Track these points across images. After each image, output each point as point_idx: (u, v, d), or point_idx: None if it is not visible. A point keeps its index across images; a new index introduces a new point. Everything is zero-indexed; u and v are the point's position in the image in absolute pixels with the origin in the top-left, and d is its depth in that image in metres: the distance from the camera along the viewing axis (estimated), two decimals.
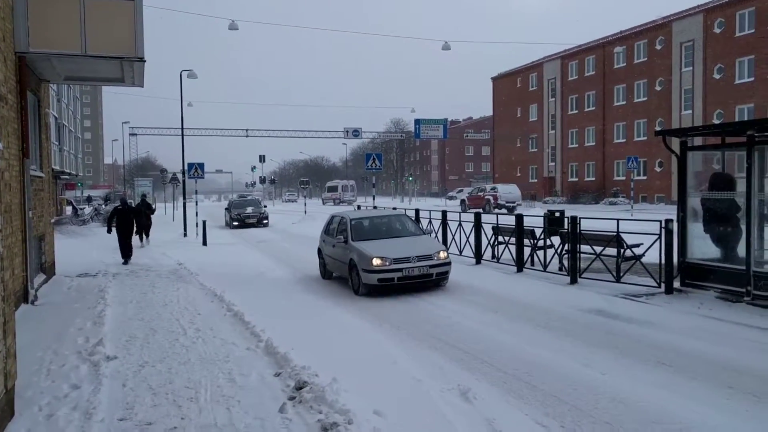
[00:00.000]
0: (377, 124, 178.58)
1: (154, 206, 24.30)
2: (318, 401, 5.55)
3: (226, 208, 36.29)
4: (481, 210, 37.75)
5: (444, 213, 17.42)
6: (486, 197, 43.11)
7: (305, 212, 40.77)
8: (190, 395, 5.97)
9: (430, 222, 17.99)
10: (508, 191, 43.14)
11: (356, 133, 65.24)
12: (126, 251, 17.58)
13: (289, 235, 26.63)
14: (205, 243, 22.33)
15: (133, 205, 22.21)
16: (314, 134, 71.65)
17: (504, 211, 37.73)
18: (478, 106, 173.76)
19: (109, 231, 18.21)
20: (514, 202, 41.79)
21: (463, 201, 43.05)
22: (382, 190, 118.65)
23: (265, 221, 33.61)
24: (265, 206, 35.66)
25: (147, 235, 22.58)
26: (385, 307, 10.57)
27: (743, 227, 9.84)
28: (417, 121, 57.32)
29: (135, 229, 18.96)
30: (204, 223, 23.16)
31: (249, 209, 34.10)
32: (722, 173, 11.15)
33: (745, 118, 40.60)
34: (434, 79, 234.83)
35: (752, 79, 43.12)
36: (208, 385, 6.26)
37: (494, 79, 74.89)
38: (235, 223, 32.88)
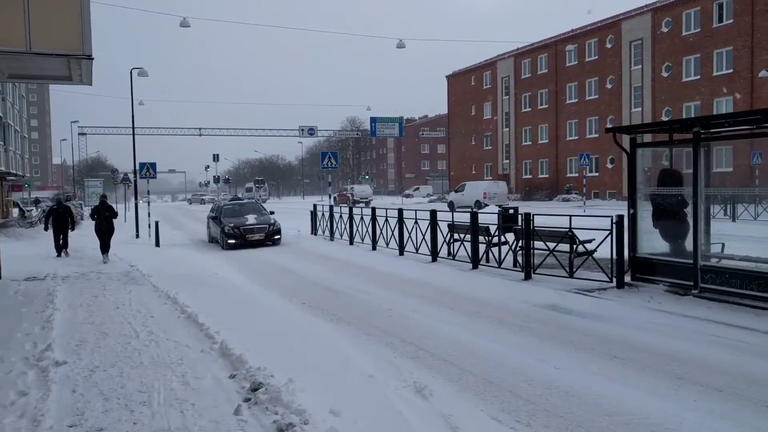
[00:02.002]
0: (333, 122, 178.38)
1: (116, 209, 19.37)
2: (274, 402, 5.49)
3: (211, 217, 24.10)
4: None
5: (400, 211, 17.46)
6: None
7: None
8: (143, 399, 5.84)
9: (386, 220, 18.03)
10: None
11: (312, 131, 64.96)
12: (59, 246, 19.15)
13: None
14: (158, 244, 21.92)
15: (71, 206, 23.24)
16: (269, 133, 70.98)
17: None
18: (434, 105, 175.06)
19: (46, 228, 20.19)
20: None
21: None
22: (338, 188, 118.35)
23: (276, 236, 22.06)
24: (272, 212, 24.23)
25: (107, 247, 18.14)
26: (330, 303, 10.54)
27: (690, 222, 10.12)
28: (373, 120, 57.38)
29: (71, 226, 19.52)
30: (157, 224, 22.72)
31: (250, 218, 22.28)
32: (670, 169, 11.45)
33: (692, 115, 41.86)
34: (390, 78, 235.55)
35: (698, 77, 44.45)
36: (162, 388, 6.13)
37: (449, 77, 75.44)
38: (232, 241, 21.14)
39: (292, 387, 5.73)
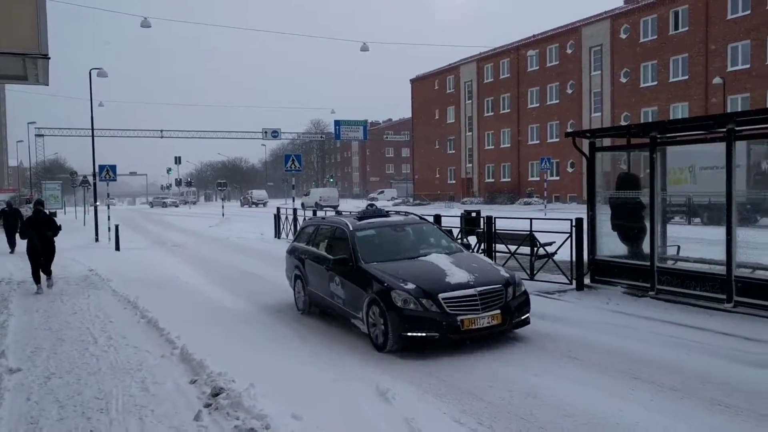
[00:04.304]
0: (297, 125, 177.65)
1: (59, 223, 13.95)
2: (235, 407, 5.44)
3: (308, 255, 10.21)
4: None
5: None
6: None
7: (223, 215, 39.98)
8: (101, 406, 5.74)
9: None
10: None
11: (275, 134, 64.53)
12: (12, 244, 20.75)
13: (206, 239, 26.04)
14: (118, 248, 21.52)
15: (21, 210, 23.23)
16: (232, 135, 70.35)
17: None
18: (398, 108, 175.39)
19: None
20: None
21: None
22: (303, 192, 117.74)
23: (524, 315, 8.09)
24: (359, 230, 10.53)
25: (49, 271, 13.35)
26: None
27: (648, 225, 10.35)
28: (337, 123, 57.24)
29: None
30: (117, 227, 22.30)
31: (444, 264, 8.25)
32: (628, 173, 11.70)
33: (649, 120, 42.82)
34: (354, 81, 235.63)
35: (656, 83, 45.49)
36: (120, 395, 6.04)
37: (412, 81, 75.81)
38: (420, 334, 7.39)
39: (254, 392, 5.69)
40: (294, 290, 10.48)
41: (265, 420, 5.10)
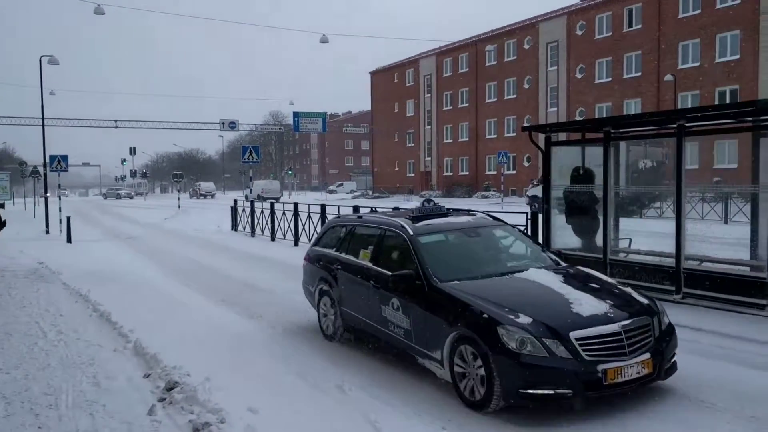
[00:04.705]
0: (255, 116, 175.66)
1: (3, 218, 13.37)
2: (189, 401, 5.37)
3: (342, 273, 7.88)
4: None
5: (323, 207, 17.40)
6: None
7: (179, 207, 39.38)
8: (50, 402, 5.60)
9: (309, 216, 17.92)
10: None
11: (233, 125, 63.68)
12: None
13: (161, 231, 25.61)
14: (69, 240, 20.99)
15: None
16: (189, 126, 69.10)
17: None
18: (358, 101, 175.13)
19: None
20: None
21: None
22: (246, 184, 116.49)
23: (670, 363, 5.72)
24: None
25: None
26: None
27: (601, 218, 10.56)
28: (296, 114, 56.81)
29: None
30: (68, 219, 21.73)
31: (569, 292, 5.88)
32: (582, 167, 11.91)
33: (604, 116, 43.67)
34: (314, 73, 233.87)
35: (610, 79, 46.40)
36: (70, 390, 5.90)
37: (372, 74, 75.73)
38: (546, 392, 5.15)
39: (209, 385, 5.63)
40: (318, 309, 8.22)
41: (220, 414, 5.05)
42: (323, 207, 17.38)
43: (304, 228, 18.22)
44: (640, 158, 11.96)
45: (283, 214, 20.00)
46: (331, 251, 8.10)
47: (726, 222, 20.95)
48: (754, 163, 9.42)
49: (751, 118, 9.39)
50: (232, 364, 6.60)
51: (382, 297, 6.66)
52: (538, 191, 35.61)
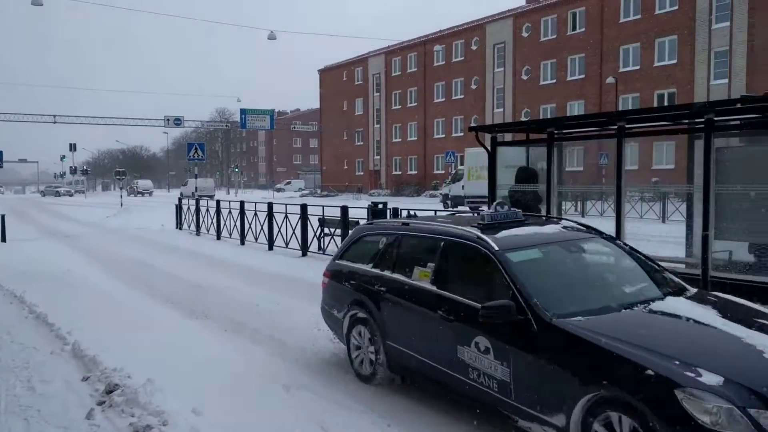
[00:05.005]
0: (201, 112, 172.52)
1: None
2: (130, 404, 5.24)
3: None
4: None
5: (270, 205, 17.23)
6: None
7: (121, 205, 38.41)
8: None
9: (255, 214, 17.72)
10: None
11: (178, 121, 62.47)
12: None
13: (103, 230, 24.91)
14: (4, 239, 20.20)
15: None
16: (132, 122, 67.45)
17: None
18: (306, 98, 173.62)
19: None
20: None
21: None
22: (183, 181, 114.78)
23: None
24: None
25: None
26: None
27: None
28: (243, 111, 56.23)
29: None
30: (3, 217, 20.91)
31: None
32: (527, 167, 12.13)
33: (548, 117, 44.57)
34: (262, 70, 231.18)
35: (554, 81, 47.38)
36: (3, 395, 5.68)
37: (321, 72, 75.41)
38: None
39: (151, 387, 5.50)
40: (348, 341, 6.48)
41: (162, 416, 4.95)
42: (270, 205, 17.21)
43: (250, 227, 18.01)
44: (539, 160, 12.34)
45: (230, 212, 19.73)
46: (367, 267, 6.41)
47: (663, 221, 21.70)
48: (689, 163, 9.76)
49: (686, 121, 9.73)
50: (176, 365, 6.47)
51: (458, 333, 5.04)
52: (451, 189, 36.98)
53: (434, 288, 5.43)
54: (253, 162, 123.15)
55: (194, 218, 22.11)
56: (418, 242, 6.04)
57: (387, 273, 6.08)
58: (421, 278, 5.62)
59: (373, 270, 6.28)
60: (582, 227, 6.06)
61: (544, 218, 6.27)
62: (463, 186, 34.66)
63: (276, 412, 5.25)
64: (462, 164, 38.18)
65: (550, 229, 5.82)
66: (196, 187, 35.89)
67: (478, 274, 5.24)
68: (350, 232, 7.19)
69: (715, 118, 8.38)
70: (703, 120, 8.44)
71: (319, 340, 7.58)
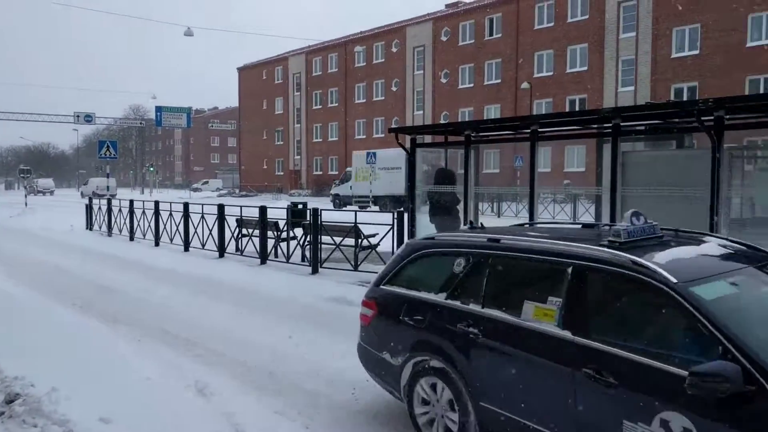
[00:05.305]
0: (115, 109, 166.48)
1: None
2: (33, 413, 4.98)
3: None
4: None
5: (186, 205, 16.79)
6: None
7: (26, 204, 36.53)
8: None
9: (171, 215, 17.22)
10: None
11: (89, 118, 59.86)
12: None
13: (4, 230, 23.59)
14: None
15: None
16: (39, 118, 64.17)
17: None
18: (225, 97, 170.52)
19: None
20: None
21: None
22: (120, 180, 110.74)
23: None
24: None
25: None
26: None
27: (462, 218, 11.00)
28: (158, 109, 54.50)
29: None
30: None
31: None
32: (445, 168, 12.37)
33: (465, 120, 45.51)
34: (178, 66, 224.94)
35: (472, 85, 48.41)
36: None
37: (240, 70, 74.15)
38: None
39: (56, 395, 5.25)
40: (411, 399, 4.92)
41: (67, 425, 4.73)
42: (186, 205, 16.77)
43: (165, 227, 17.49)
44: (426, 163, 12.83)
45: (143, 212, 19.09)
46: (438, 298, 4.77)
47: (575, 221, 22.54)
48: (598, 167, 10.20)
49: (595, 126, 10.17)
50: (84, 372, 6.19)
51: (626, 405, 3.55)
52: (340, 190, 38.35)
53: (567, 334, 3.90)
54: (169, 161, 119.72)
55: (106, 219, 21.27)
56: (525, 267, 4.47)
57: (475, 308, 4.47)
58: (540, 318, 4.09)
59: (451, 303, 4.65)
60: (746, 246, 4.44)
61: (680, 233, 4.61)
62: (351, 186, 37.21)
63: (191, 418, 5.12)
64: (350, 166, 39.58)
65: (710, 248, 4.27)
66: (97, 186, 35.02)
67: (647, 317, 3.78)
68: (399, 249, 5.49)
69: (622, 124, 8.78)
70: (610, 125, 8.83)
71: (231, 337, 7.45)
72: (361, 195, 35.69)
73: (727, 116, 7.75)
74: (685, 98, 33.97)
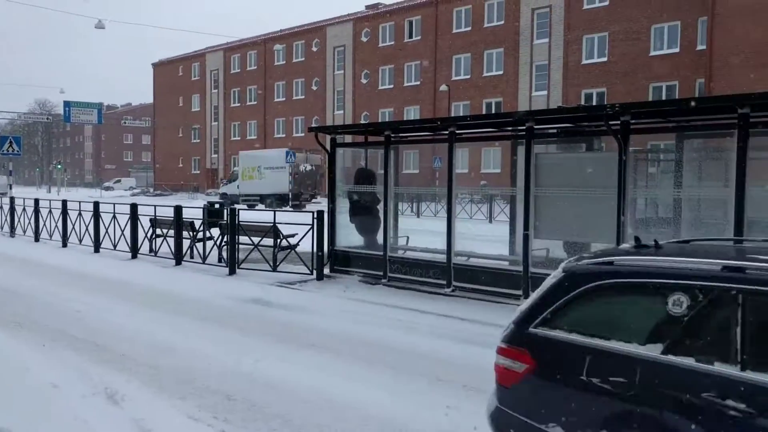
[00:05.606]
0: (18, 103, 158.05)
1: None
2: None
3: None
4: None
5: (96, 204, 16.13)
6: None
7: None
8: None
9: (80, 214, 16.51)
10: None
11: None
12: None
13: None
14: None
15: None
16: None
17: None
18: (139, 93, 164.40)
19: None
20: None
21: None
22: (25, 178, 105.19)
23: None
24: None
25: None
26: None
27: (381, 217, 11.09)
28: (67, 104, 51.92)
29: None
30: None
31: None
32: (365, 168, 12.42)
33: (386, 120, 45.83)
34: (89, 60, 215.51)
35: (392, 86, 48.81)
36: None
37: (155, 66, 71.91)
38: None
39: None
40: None
41: None
42: (96, 204, 16.11)
43: (74, 227, 16.74)
44: (301, 162, 13.05)
45: (50, 212, 18.20)
46: (647, 351, 3.29)
47: (491, 221, 23.13)
48: (513, 168, 10.50)
49: (510, 128, 10.47)
50: None
51: None
52: (228, 189, 39.18)
53: None
54: (79, 158, 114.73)
55: (8, 218, 20.13)
56: None
57: (728, 369, 3.04)
58: None
59: (676, 360, 3.19)
60: None
61: None
62: (238, 186, 38.81)
63: (100, 426, 4.92)
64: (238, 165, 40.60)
65: None
66: None
67: None
68: (554, 278, 3.86)
69: (535, 127, 9.08)
70: (524, 128, 9.10)
71: (143, 341, 7.20)
72: (249, 194, 37.30)
73: (633, 121, 8.15)
74: (594, 103, 35.48)
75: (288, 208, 30.51)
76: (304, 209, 27.44)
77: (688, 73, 33.82)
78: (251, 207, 32.61)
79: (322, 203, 35.92)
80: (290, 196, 34.94)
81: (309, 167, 36.06)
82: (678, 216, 8.30)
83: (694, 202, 8.44)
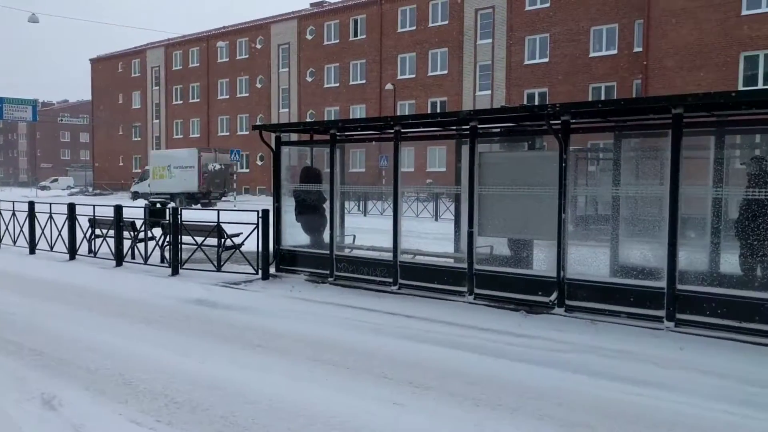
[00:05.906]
0: None
1: None
2: None
3: None
4: None
5: (31, 204, 15.57)
6: None
7: None
8: None
9: (14, 215, 15.91)
10: None
11: None
12: None
13: None
14: None
15: None
16: None
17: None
18: (76, 89, 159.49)
19: None
20: None
21: None
22: None
23: None
24: None
25: None
26: None
27: (327, 216, 11.06)
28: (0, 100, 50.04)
29: None
30: None
31: None
32: (311, 167, 12.36)
33: (332, 119, 45.74)
34: (22, 56, 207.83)
35: (338, 84, 48.73)
36: None
37: (93, 62, 69.87)
38: None
39: None
40: None
41: None
42: (31, 204, 15.55)
43: (7, 228, 16.13)
44: (210, 162, 13.15)
45: None
46: None
47: (436, 219, 23.38)
48: (457, 166, 10.63)
49: (454, 127, 10.59)
50: None
51: None
52: (139, 187, 39.53)
53: None
54: (12, 157, 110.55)
55: None
56: None
57: None
58: None
59: None
60: None
61: None
62: (149, 184, 40.05)
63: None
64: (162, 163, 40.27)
65: None
66: None
67: None
68: None
69: (479, 126, 9.21)
70: (468, 127, 9.22)
71: (82, 344, 7.00)
72: (159, 192, 38.24)
73: (573, 120, 8.35)
74: (536, 103, 36.23)
75: (197, 207, 31.95)
76: (213, 207, 27.47)
77: (625, 74, 34.90)
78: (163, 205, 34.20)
79: (231, 201, 36.71)
80: (200, 195, 36.05)
81: (218, 166, 36.98)
82: (616, 213, 8.56)
83: (632, 200, 8.71)
